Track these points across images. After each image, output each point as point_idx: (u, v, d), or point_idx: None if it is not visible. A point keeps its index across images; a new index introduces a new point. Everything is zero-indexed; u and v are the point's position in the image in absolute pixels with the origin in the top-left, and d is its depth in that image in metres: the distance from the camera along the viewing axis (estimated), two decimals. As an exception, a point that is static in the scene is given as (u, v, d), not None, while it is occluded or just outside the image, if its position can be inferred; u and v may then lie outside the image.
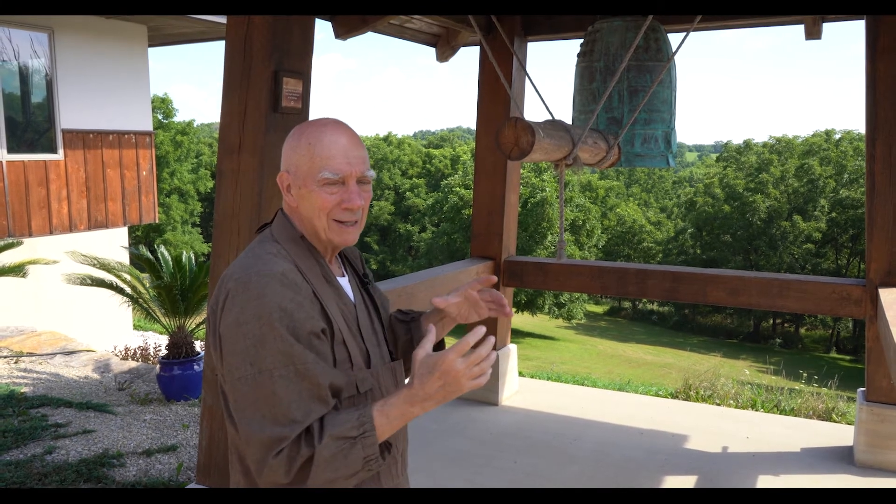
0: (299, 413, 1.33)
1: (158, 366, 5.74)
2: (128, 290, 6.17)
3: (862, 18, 4.28)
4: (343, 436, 1.33)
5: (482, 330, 1.36)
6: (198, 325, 6.10)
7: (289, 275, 1.41)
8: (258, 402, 1.34)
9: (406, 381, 1.68)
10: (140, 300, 6.19)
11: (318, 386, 1.36)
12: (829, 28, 5.35)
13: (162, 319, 6.05)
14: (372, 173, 1.53)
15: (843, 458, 4.43)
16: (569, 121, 3.94)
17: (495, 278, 1.66)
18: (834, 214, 35.96)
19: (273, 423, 1.33)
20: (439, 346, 1.75)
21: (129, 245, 8.97)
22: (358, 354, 1.50)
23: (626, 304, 43.34)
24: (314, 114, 3.30)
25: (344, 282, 1.59)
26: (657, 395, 6.10)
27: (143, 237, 33.74)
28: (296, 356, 1.35)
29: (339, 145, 1.48)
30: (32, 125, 8.37)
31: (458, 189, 32.92)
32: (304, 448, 1.32)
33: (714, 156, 62.51)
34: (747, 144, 41.84)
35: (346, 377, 1.45)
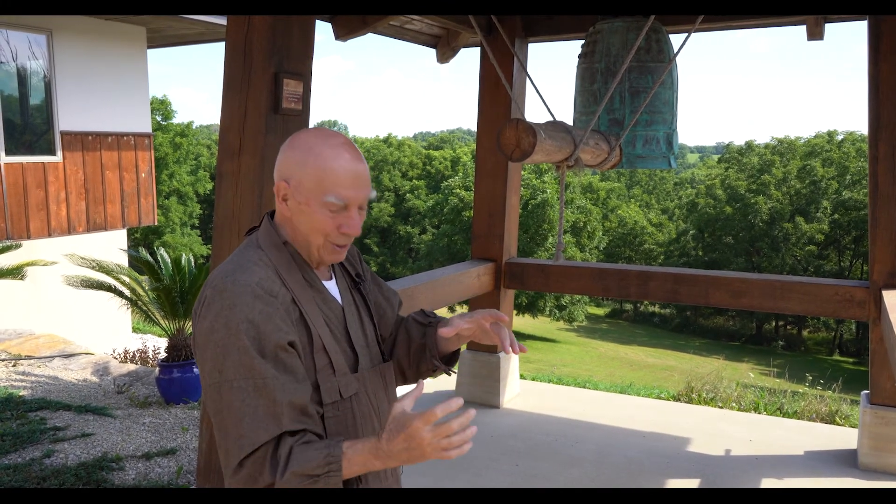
0: (251, 429, 1.33)
1: (158, 369, 5.71)
2: (127, 292, 6.15)
3: (864, 19, 4.26)
4: (307, 473, 1.32)
5: (459, 402, 1.31)
6: (197, 328, 6.07)
7: (264, 284, 1.41)
8: (222, 411, 1.37)
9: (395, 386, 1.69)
10: (139, 303, 6.16)
11: (274, 403, 1.35)
12: (831, 29, 5.33)
13: (161, 322, 6.03)
14: (373, 194, 1.53)
15: (846, 461, 4.40)
16: (570, 122, 3.92)
17: (507, 318, 1.65)
18: (836, 216, 35.91)
19: (233, 434, 1.35)
20: (454, 356, 1.74)
21: (128, 247, 8.95)
22: (342, 359, 1.50)
23: (628, 307, 43.30)
24: (314, 116, 3.28)
25: (331, 285, 1.58)
26: (659, 397, 6.07)
27: (142, 239, 33.70)
28: (255, 370, 1.35)
29: (352, 173, 1.46)
30: (31, 127, 8.35)
31: (458, 191, 32.92)
32: (267, 475, 1.33)
33: (716, 157, 62.49)
34: (749, 145, 41.83)
35: (327, 383, 1.45)
